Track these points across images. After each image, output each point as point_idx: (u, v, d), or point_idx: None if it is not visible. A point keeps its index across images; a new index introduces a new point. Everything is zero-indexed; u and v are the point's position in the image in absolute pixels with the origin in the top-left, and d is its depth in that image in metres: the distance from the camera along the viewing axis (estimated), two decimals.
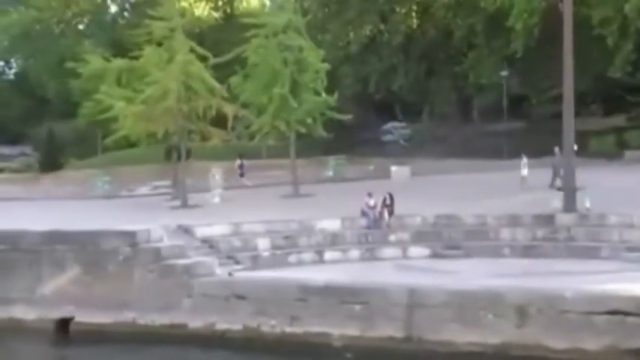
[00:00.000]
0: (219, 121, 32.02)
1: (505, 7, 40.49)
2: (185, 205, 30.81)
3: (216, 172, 33.15)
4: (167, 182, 41.97)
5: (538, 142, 41.50)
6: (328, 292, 18.04)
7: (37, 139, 72.54)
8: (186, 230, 22.55)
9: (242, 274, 20.27)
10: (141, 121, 29.43)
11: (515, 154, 41.16)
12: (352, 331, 17.50)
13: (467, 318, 16.44)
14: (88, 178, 45.00)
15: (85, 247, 20.82)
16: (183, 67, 29.25)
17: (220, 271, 20.36)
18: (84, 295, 20.64)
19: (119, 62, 34.48)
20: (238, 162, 40.01)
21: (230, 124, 30.39)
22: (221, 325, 18.87)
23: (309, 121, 32.09)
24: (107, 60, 35.83)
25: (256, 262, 22.03)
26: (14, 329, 21.00)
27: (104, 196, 41.67)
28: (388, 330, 17.16)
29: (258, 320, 18.50)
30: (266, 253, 22.60)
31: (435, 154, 43.37)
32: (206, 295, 19.27)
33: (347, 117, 34.14)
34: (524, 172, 32.48)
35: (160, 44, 33.75)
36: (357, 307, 17.61)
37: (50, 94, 73.23)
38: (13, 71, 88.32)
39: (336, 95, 32.07)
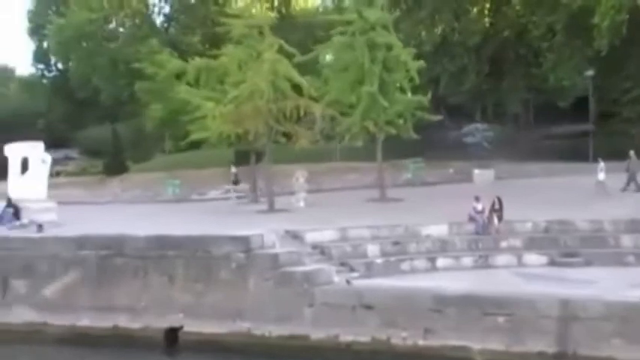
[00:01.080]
0: (303, 121, 30.85)
1: (589, 4, 38.96)
2: (272, 209, 29.72)
3: (301, 175, 32.04)
4: (240, 186, 41.14)
5: (608, 145, 40.17)
6: (467, 302, 16.78)
7: (83, 142, 72.28)
8: (295, 235, 21.42)
9: (363, 283, 19.05)
10: (229, 122, 28.36)
11: (586, 157, 39.84)
12: (495, 345, 16.22)
13: (631, 332, 15.07)
14: (155, 182, 44.29)
15: (195, 253, 19.78)
16: (272, 65, 28.16)
17: (338, 279, 19.19)
18: (194, 303, 19.63)
19: (198, 62, 33.53)
20: (233, 170, 39.69)
21: (318, 124, 29.13)
22: (346, 337, 17.70)
23: (400, 121, 30.80)
24: (184, 60, 34.90)
25: (370, 269, 20.80)
26: (120, 339, 20.07)
27: (174, 200, 40.89)
28: (538, 345, 15.86)
29: (387, 332, 17.31)
30: (379, 260, 21.35)
31: (513, 156, 41.96)
32: (329, 305, 18.10)
33: (437, 118, 32.85)
34: (601, 176, 31.00)
35: (239, 43, 32.83)
36: (501, 319, 16.33)
37: (102, 96, 73.00)
38: (52, 74, 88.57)
39: (429, 95, 30.80)
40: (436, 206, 29.17)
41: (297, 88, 29.51)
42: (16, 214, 25.69)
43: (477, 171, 37.59)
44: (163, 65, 42.76)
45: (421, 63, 31.03)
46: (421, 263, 22.04)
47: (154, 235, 20.65)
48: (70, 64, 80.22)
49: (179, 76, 38.17)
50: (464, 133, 40.18)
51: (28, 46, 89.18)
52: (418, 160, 40.38)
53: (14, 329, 21.41)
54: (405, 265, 21.70)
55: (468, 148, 39.37)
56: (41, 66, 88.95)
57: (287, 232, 21.63)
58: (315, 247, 21.05)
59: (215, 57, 33.55)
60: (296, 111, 28.92)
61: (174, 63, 34.06)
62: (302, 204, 31.31)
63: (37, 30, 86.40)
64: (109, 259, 20.86)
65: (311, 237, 21.59)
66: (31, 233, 22.81)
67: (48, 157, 27.08)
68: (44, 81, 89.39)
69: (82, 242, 21.35)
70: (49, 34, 74.55)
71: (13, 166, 26.51)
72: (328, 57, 38.39)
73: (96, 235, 21.61)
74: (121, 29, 75.90)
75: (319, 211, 29.43)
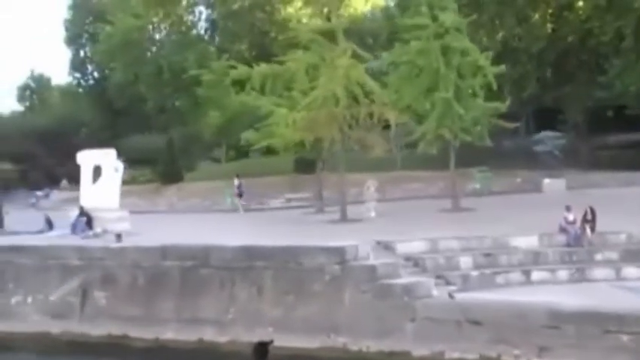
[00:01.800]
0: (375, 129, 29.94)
1: None
2: (345, 218, 28.87)
3: (371, 185, 31.17)
4: (301, 195, 40.44)
5: None
6: (585, 318, 15.75)
7: (126, 150, 71.65)
8: (386, 246, 20.53)
9: (465, 296, 18.10)
10: (303, 129, 27.60)
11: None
12: None
13: None
14: (211, 191, 43.65)
15: (286, 265, 19.01)
16: (347, 71, 27.37)
17: (437, 292, 18.26)
18: (284, 316, 18.83)
19: (263, 68, 32.85)
20: (236, 182, 38.96)
21: (392, 132, 28.24)
22: (452, 354, 16.76)
23: (478, 128, 29.81)
24: (250, 66, 34.23)
25: (466, 282, 19.84)
26: (206, 352, 19.35)
27: (233, 210, 40.18)
28: None
29: (497, 349, 16.33)
30: (474, 273, 20.38)
31: (577, 166, 40.75)
32: (432, 319, 17.19)
33: (514, 125, 31.80)
34: None
35: (306, 48, 32.12)
36: (625, 337, 15.29)
37: (147, 104, 72.84)
38: (89, 83, 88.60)
39: (508, 102, 29.76)
40: (513, 216, 28.05)
41: (368, 95, 28.63)
42: (89, 223, 25.13)
43: (547, 180, 36.40)
44: (222, 72, 42.22)
45: (502, 68, 30.03)
46: (515, 276, 21.00)
47: (242, 246, 19.91)
48: (113, 72, 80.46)
49: (239, 83, 37.58)
50: (534, 141, 38.98)
51: (65, 55, 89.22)
52: (485, 169, 39.25)
53: (93, 341, 20.85)
54: (499, 279, 20.68)
55: (537, 156, 38.19)
56: (78, 75, 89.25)
57: (378, 242, 20.74)
58: (407, 258, 20.14)
59: (280, 63, 32.82)
60: (369, 118, 28.06)
61: (239, 70, 33.32)
62: (373, 214, 30.41)
63: (74, 39, 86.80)
64: (194, 270, 20.19)
65: (402, 248, 20.67)
66: (109, 243, 22.16)
67: (120, 165, 26.53)
68: (80, 90, 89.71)
69: (165, 252, 20.72)
70: (100, 39, 74.43)
71: (86, 174, 25.97)
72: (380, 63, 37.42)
73: (180, 245, 20.94)
74: (166, 37, 75.71)
75: (393, 221, 28.51)
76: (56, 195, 60.59)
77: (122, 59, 73.32)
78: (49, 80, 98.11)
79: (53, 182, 68.42)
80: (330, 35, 29.03)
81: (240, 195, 39.10)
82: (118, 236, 22.20)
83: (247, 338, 19.06)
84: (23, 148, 78.33)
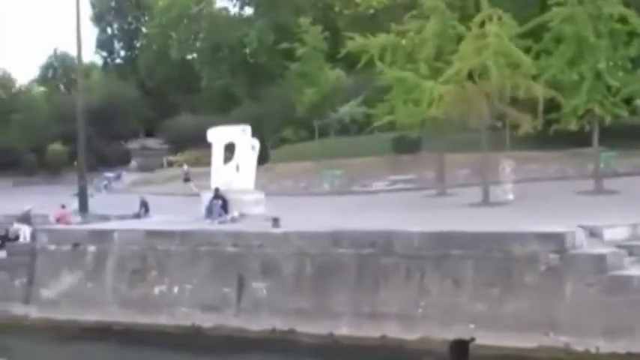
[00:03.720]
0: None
1: None
2: (487, 202, 26.57)
3: (507, 165, 28.80)
4: (407, 176, 38.21)
5: None
6: None
7: (175, 132, 69.12)
8: (591, 232, 18.16)
9: None
10: (452, 104, 25.22)
11: None
12: None
13: None
14: (304, 172, 41.49)
15: (489, 253, 16.75)
16: (495, 39, 24.93)
17: None
18: (488, 312, 16.60)
19: (381, 39, 30.54)
20: (185, 168, 38.14)
21: (540, 107, 25.78)
22: None
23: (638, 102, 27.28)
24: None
25: None
26: (390, 350, 17.25)
27: (333, 192, 38.06)
28: None
29: None
30: None
31: None
32: None
33: None
34: None
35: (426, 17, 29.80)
36: None
37: (203, 82, 70.59)
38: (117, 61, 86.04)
39: None
40: None
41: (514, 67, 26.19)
42: (224, 206, 23.03)
43: None
44: (315, 46, 40.08)
45: None
46: None
47: (431, 232, 17.71)
48: (142, 51, 77.41)
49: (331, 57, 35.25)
50: None
51: (90, 33, 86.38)
52: (606, 149, 36.47)
53: (253, 337, 18.89)
54: None
55: None
56: (105, 53, 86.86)
57: (579, 227, 18.33)
58: (619, 246, 17.74)
59: (400, 34, 30.49)
60: (516, 92, 25.67)
61: (356, 41, 30.96)
62: (510, 196, 28.07)
63: (101, 16, 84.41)
64: (373, 259, 18.00)
65: (608, 235, 18.27)
66: (266, 228, 20.03)
67: (257, 143, 24.38)
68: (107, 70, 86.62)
69: (337, 238, 18.57)
70: (155, 13, 72.19)
71: (217, 153, 23.84)
72: None
73: (354, 231, 18.80)
74: (224, 11, 73.08)
75: (540, 205, 25.98)
76: (126, 177, 59.01)
77: (178, 34, 71.07)
78: (72, 60, 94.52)
79: (103, 164, 65.95)
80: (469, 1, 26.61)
81: (187, 180, 40.64)
82: (275, 220, 20.04)
83: (442, 335, 16.90)
84: (74, 128, 75.61)
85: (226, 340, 19.12)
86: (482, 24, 25.97)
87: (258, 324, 18.95)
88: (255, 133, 52.14)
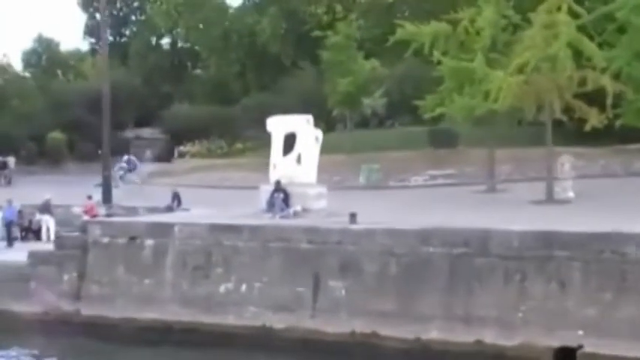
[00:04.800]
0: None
1: None
2: (551, 199, 25.45)
3: (566, 161, 27.65)
4: (446, 171, 37.04)
5: None
6: None
7: (173, 121, 67.32)
8: None
9: None
10: (520, 96, 24.04)
11: None
12: None
13: None
14: (338, 165, 40.16)
15: (600, 255, 15.62)
16: (568, 29, 23.77)
17: None
18: (600, 318, 15.49)
19: (432, 27, 29.29)
20: (125, 157, 37.61)
21: (609, 101, 24.64)
22: None
23: None
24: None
25: None
26: (485, 356, 16.07)
27: (370, 187, 36.82)
28: None
29: None
30: None
31: None
32: None
33: None
34: None
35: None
36: None
37: (210, 71, 69.15)
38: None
39: None
40: None
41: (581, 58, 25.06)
42: (286, 200, 21.81)
43: None
44: (349, 34, 38.86)
45: None
46: None
47: (533, 231, 16.56)
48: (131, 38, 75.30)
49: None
50: None
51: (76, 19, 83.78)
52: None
53: (330, 340, 17.71)
54: None
55: None
56: (92, 40, 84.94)
57: None
58: None
59: (452, 22, 29.29)
60: (583, 84, 24.52)
61: (406, 28, 29.62)
62: (571, 194, 26.94)
63: (89, 1, 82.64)
64: (467, 259, 16.84)
65: None
66: (344, 224, 18.80)
67: (320, 134, 23.12)
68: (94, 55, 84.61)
69: (426, 237, 17.37)
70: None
71: (277, 144, 22.57)
72: None
73: (445, 229, 17.61)
74: None
75: (605, 203, 24.85)
76: (142, 167, 57.57)
77: (185, 21, 69.42)
78: (57, 45, 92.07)
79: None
80: None
81: (130, 170, 41.25)
82: (352, 216, 18.82)
83: (545, 342, 15.77)
84: (74, 115, 73.69)
85: (300, 343, 17.95)
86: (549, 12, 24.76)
87: (336, 326, 17.76)
88: (258, 123, 50.95)
